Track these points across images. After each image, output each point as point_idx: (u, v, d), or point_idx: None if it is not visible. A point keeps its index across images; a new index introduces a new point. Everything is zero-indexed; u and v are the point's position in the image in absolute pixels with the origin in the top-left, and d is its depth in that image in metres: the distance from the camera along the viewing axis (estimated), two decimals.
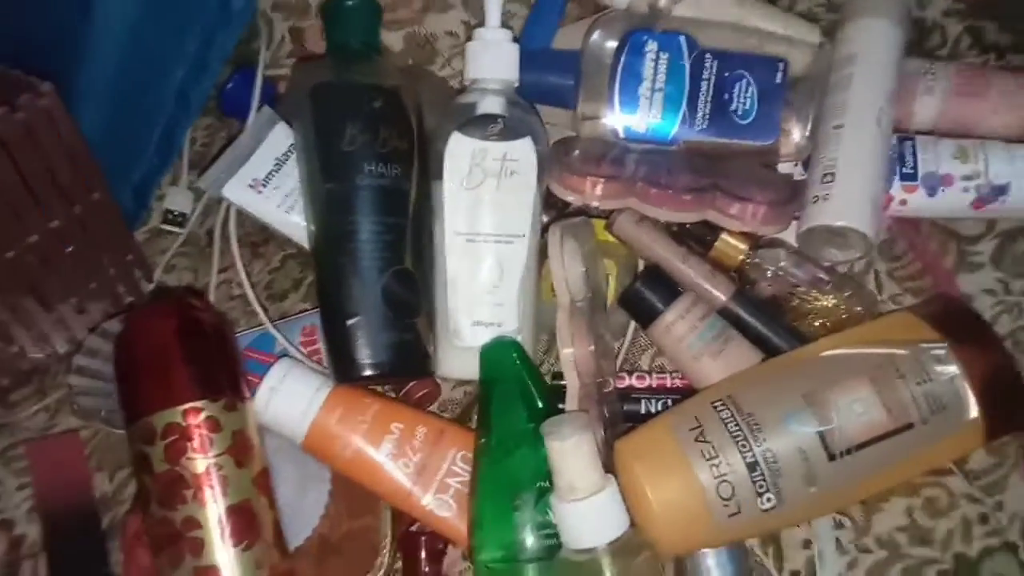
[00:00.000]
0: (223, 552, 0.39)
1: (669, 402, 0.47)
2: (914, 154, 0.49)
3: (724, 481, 0.39)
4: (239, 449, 0.41)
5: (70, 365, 0.49)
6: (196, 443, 0.39)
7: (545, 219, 0.49)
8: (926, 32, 0.57)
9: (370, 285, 0.44)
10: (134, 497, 0.48)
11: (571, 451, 0.38)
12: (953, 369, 0.40)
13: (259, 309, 0.50)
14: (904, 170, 0.48)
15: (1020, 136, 0.49)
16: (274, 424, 0.44)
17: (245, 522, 0.39)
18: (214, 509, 0.39)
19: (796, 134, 0.49)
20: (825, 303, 0.47)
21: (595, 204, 0.48)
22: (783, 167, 0.51)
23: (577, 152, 0.48)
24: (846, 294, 0.47)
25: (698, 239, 0.49)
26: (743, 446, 0.39)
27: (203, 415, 0.40)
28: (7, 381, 0.51)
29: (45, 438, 0.51)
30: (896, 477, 0.43)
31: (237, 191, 0.50)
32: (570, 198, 0.48)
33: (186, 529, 0.38)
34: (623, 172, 0.47)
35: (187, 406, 0.40)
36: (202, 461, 0.39)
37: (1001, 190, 0.47)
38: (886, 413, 0.40)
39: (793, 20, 0.53)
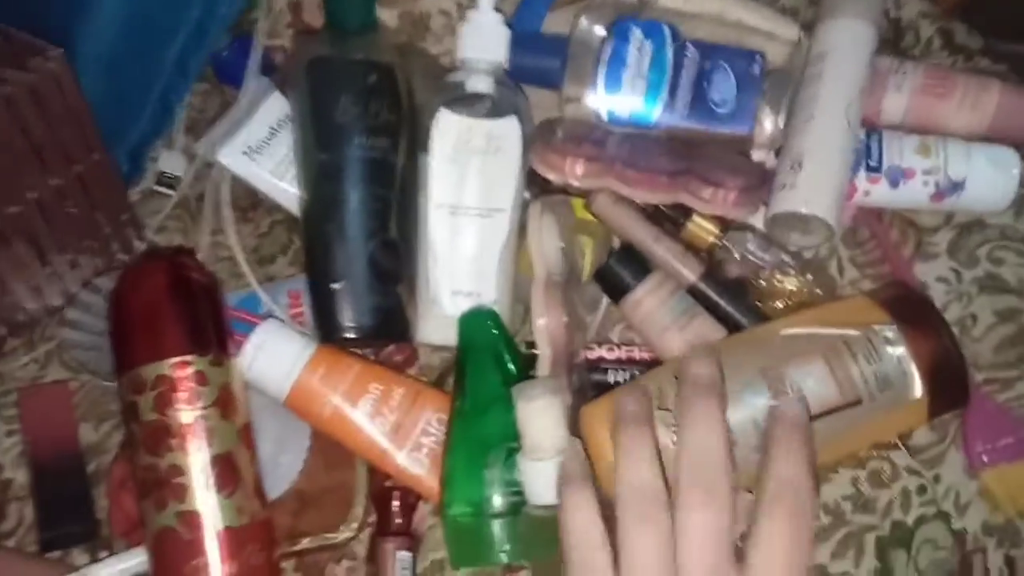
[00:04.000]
0: (206, 498, 0.40)
1: (636, 373, 0.49)
2: (880, 147, 0.51)
3: None
4: (224, 402, 0.42)
5: (62, 318, 0.51)
6: (184, 395, 0.41)
7: (527, 195, 0.51)
8: (901, 31, 0.59)
9: (356, 252, 0.46)
10: (120, 445, 0.49)
11: (539, 412, 0.40)
12: (901, 350, 0.42)
13: (247, 271, 0.51)
14: (870, 162, 0.50)
15: (979, 135, 0.52)
16: (258, 381, 0.46)
17: (228, 471, 0.41)
18: (198, 458, 0.41)
19: (769, 124, 0.51)
20: (788, 286, 0.49)
21: (575, 183, 0.49)
22: (756, 155, 0.53)
23: (560, 132, 0.50)
24: (808, 277, 0.49)
25: (671, 220, 0.51)
26: None
27: (191, 368, 0.42)
28: (3, 331, 0.52)
29: (36, 386, 0.52)
30: (844, 449, 0.45)
31: (231, 156, 0.51)
32: (551, 176, 0.50)
33: (171, 475, 0.40)
34: (603, 153, 0.49)
35: (176, 359, 0.41)
36: (189, 412, 0.41)
37: (958, 185, 0.50)
38: (837, 389, 0.42)
39: (773, 15, 0.55)
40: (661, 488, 0.33)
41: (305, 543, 0.46)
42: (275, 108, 0.52)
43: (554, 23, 0.55)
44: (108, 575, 0.43)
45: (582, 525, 0.33)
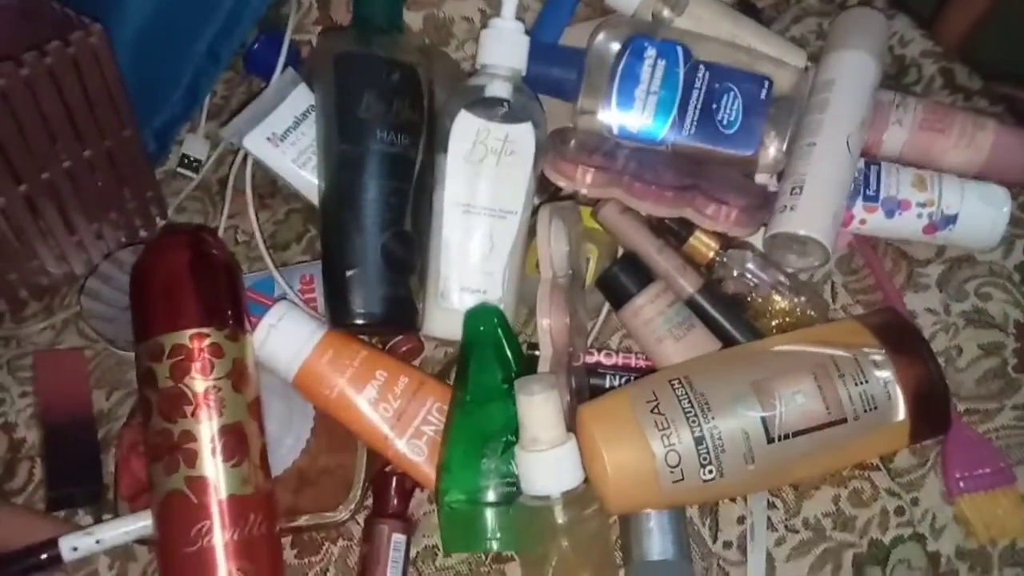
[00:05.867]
0: (213, 465, 0.42)
1: (631, 379, 0.50)
2: (878, 178, 0.53)
3: (672, 451, 0.42)
4: (237, 376, 0.44)
5: (83, 287, 0.53)
6: (199, 365, 0.43)
7: (536, 200, 0.53)
8: (904, 68, 0.61)
9: (371, 241, 0.48)
10: (131, 412, 0.51)
11: (538, 406, 0.42)
12: (888, 375, 0.44)
13: (265, 254, 0.53)
14: (867, 192, 0.52)
15: (974, 173, 0.54)
16: (269, 360, 0.47)
17: (236, 441, 0.43)
18: (209, 426, 0.42)
19: (773, 148, 0.53)
20: (782, 305, 0.51)
21: (584, 191, 0.51)
22: (759, 177, 0.54)
23: (573, 142, 0.52)
24: (802, 299, 0.51)
25: (675, 233, 0.53)
26: (693, 422, 0.43)
27: (208, 340, 0.43)
28: (25, 293, 0.54)
29: (52, 351, 0.54)
30: (827, 465, 0.47)
31: (256, 143, 0.53)
32: (562, 183, 0.51)
33: (183, 441, 0.42)
34: (613, 165, 0.51)
35: (194, 331, 0.43)
36: (203, 382, 0.43)
37: (951, 220, 0.52)
38: (824, 406, 0.43)
39: (783, 43, 0.57)
40: None
41: (303, 520, 0.47)
42: (300, 99, 0.54)
43: (572, 37, 0.57)
44: (113, 536, 0.44)
45: None
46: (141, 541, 0.46)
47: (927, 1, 0.67)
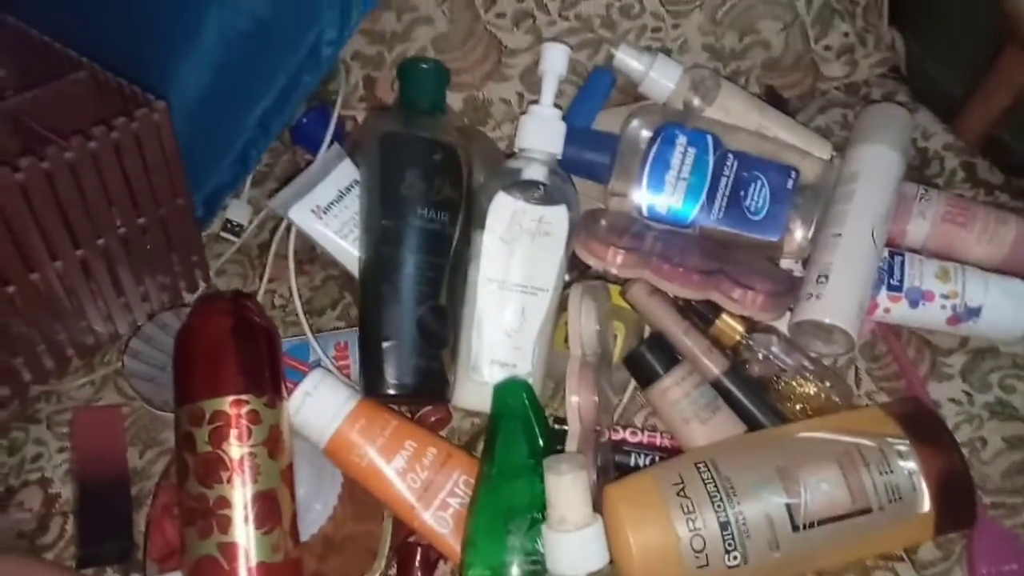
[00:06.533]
0: (245, 532, 0.42)
1: (656, 459, 0.51)
2: (902, 268, 0.53)
3: (698, 535, 0.42)
4: (273, 442, 0.45)
5: (126, 347, 0.54)
6: (237, 432, 0.44)
7: (567, 278, 0.54)
8: (927, 160, 0.63)
9: (408, 314, 0.49)
10: (164, 472, 0.51)
11: (567, 486, 0.42)
12: (913, 465, 0.44)
13: (303, 319, 0.54)
14: (892, 281, 0.53)
15: (995, 266, 0.55)
16: (302, 426, 0.48)
17: (269, 508, 0.43)
18: (243, 493, 0.43)
19: (799, 235, 0.54)
20: (807, 390, 0.52)
21: (614, 271, 0.52)
22: (784, 263, 0.56)
23: (604, 223, 0.53)
24: (826, 384, 0.52)
25: (701, 316, 0.54)
26: (718, 506, 0.43)
27: (247, 407, 0.44)
28: (72, 352, 0.55)
29: (90, 407, 0.55)
30: (851, 555, 0.46)
31: (301, 214, 0.55)
32: (592, 262, 0.53)
33: (217, 507, 0.42)
34: (642, 246, 0.52)
35: (234, 397, 0.44)
36: (239, 448, 0.43)
37: (974, 312, 0.52)
38: (849, 495, 0.43)
39: (808, 134, 0.59)
40: None
41: None
42: (345, 174, 0.56)
43: (604, 122, 0.59)
44: None
45: None
46: None
47: (949, 96, 0.69)
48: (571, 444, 0.48)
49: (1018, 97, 0.66)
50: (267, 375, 0.46)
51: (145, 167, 0.48)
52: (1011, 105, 0.66)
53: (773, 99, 0.63)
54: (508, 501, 0.45)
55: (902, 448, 0.45)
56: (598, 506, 0.45)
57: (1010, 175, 0.61)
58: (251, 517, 0.43)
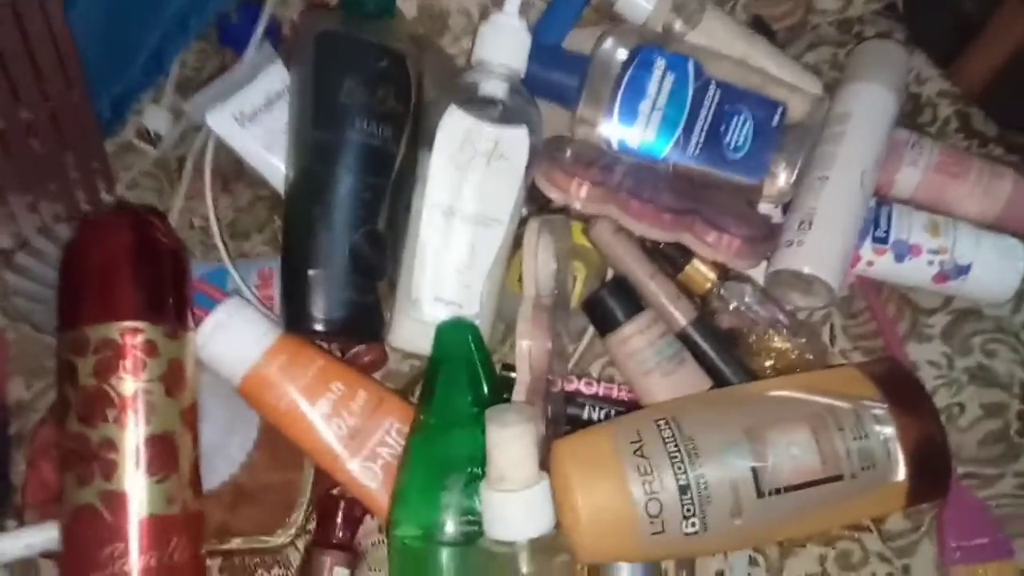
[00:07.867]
0: (135, 480, 0.38)
1: (612, 412, 0.48)
2: (889, 219, 0.50)
3: (654, 499, 0.39)
4: (172, 379, 0.40)
5: (10, 262, 0.48)
6: (129, 363, 0.38)
7: (525, 211, 0.49)
8: (919, 107, 0.59)
9: (339, 240, 0.44)
10: (50, 408, 0.46)
11: (511, 441, 0.38)
12: (889, 431, 0.42)
13: (220, 244, 0.49)
14: (877, 233, 0.50)
15: (988, 222, 0.51)
16: (213, 361, 0.43)
17: (164, 454, 0.38)
18: (134, 434, 0.38)
19: (782, 178, 0.50)
20: (779, 345, 0.48)
21: (577, 206, 0.48)
22: (762, 207, 0.52)
23: (569, 152, 0.48)
24: (800, 340, 0.48)
25: (670, 260, 0.50)
26: (678, 468, 0.40)
27: (142, 337, 0.39)
28: None
29: None
30: (817, 524, 0.44)
31: (221, 120, 0.48)
32: (554, 195, 0.48)
33: (101, 450, 0.37)
34: (609, 180, 0.48)
35: (127, 324, 0.39)
36: (132, 383, 0.38)
37: (963, 270, 0.49)
38: (819, 461, 0.41)
39: (798, 68, 0.54)
40: None
41: (236, 543, 0.43)
42: (275, 78, 0.50)
43: (576, 41, 0.54)
44: (13, 548, 0.40)
45: None
46: (48, 555, 0.41)
47: (947, 41, 0.65)
48: (519, 393, 0.44)
49: (1019, 47, 0.63)
50: (169, 301, 0.41)
51: (26, 44, 0.41)
52: (1011, 56, 0.63)
53: (760, 28, 0.58)
54: (445, 453, 0.42)
55: (878, 412, 0.42)
56: (545, 463, 0.41)
57: (1006, 128, 0.58)
58: (142, 463, 0.38)
